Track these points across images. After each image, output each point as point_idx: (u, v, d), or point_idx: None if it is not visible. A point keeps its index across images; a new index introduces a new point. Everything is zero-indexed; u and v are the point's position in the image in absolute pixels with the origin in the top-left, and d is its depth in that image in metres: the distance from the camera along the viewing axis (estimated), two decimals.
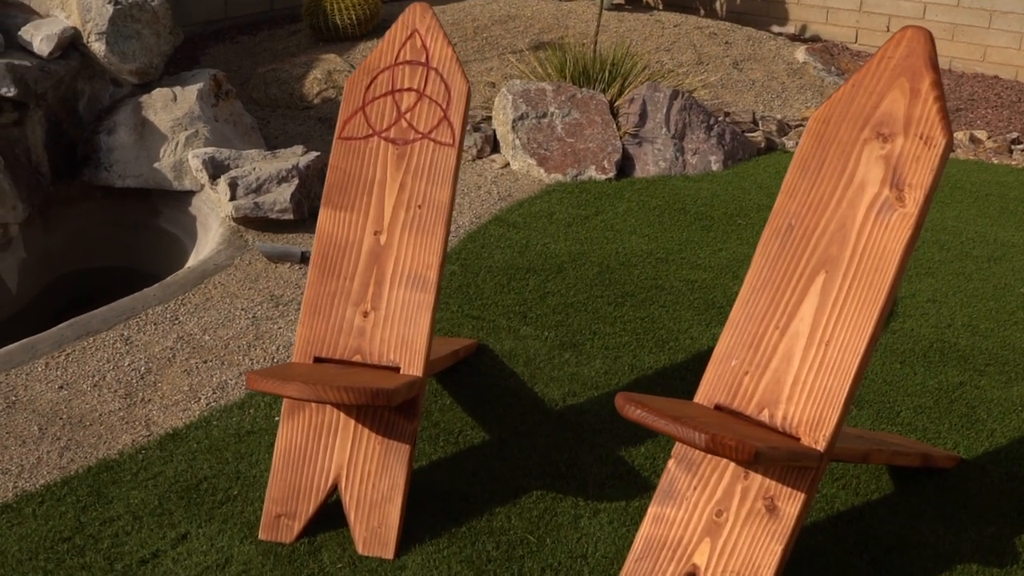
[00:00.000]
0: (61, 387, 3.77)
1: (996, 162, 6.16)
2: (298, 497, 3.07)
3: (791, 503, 2.69)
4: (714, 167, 5.79)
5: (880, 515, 3.19)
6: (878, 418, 3.62)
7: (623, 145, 5.69)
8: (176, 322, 4.17)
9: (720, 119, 6.05)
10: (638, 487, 3.27)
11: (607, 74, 6.04)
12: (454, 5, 7.83)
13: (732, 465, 2.79)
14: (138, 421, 3.59)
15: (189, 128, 5.33)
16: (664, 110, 5.81)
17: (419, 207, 3.16)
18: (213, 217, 5.12)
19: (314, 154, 5.15)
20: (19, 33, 5.25)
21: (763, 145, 6.15)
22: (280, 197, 4.88)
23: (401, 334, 3.10)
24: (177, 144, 5.30)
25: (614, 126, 5.74)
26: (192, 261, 4.99)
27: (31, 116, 5.17)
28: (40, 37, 5.20)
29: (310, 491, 3.07)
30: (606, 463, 3.38)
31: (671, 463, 2.87)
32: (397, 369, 3.09)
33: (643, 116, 5.80)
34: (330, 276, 3.18)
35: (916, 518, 3.18)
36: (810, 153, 2.85)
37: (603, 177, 5.56)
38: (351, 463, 3.06)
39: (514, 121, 5.69)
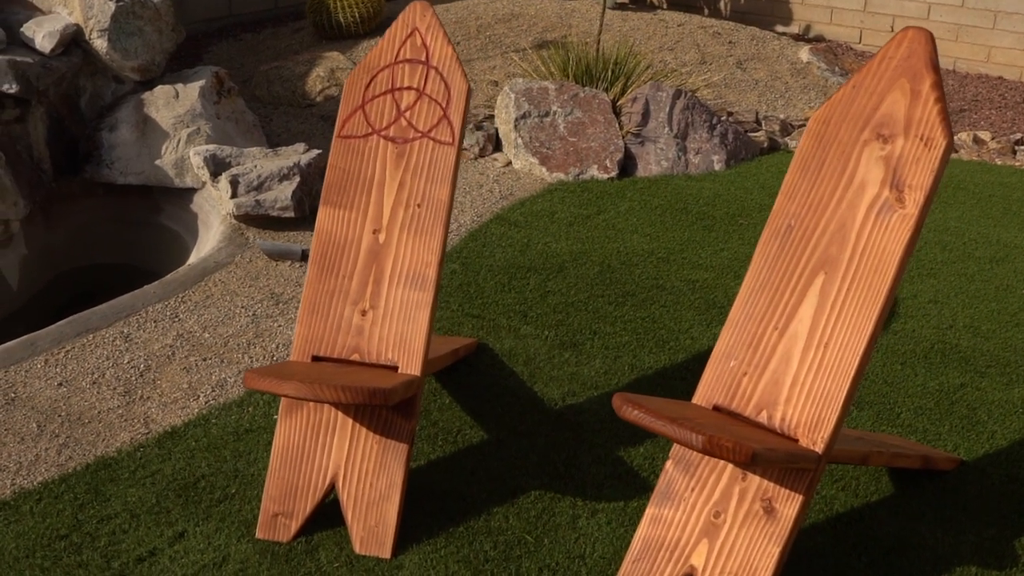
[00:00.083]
0: (60, 384, 3.77)
1: (999, 163, 6.15)
2: (296, 496, 3.06)
3: (789, 505, 2.68)
4: (716, 167, 5.78)
5: (879, 517, 3.18)
6: (878, 419, 3.61)
7: (625, 144, 5.68)
8: (176, 319, 4.17)
9: (723, 119, 6.03)
10: (637, 487, 3.26)
11: (610, 73, 6.03)
12: (458, 3, 7.82)
13: (730, 466, 2.78)
14: (137, 419, 3.59)
15: (191, 125, 5.33)
16: (667, 109, 5.80)
17: (418, 206, 3.15)
18: (214, 215, 5.12)
19: (316, 152, 5.14)
20: (21, 30, 5.24)
21: (766, 145, 6.13)
22: (281, 195, 4.87)
23: (399, 333, 3.10)
24: (179, 141, 5.29)
25: (616, 125, 5.73)
26: (193, 258, 4.99)
27: (33, 113, 5.16)
28: (42, 34, 5.19)
29: (308, 490, 3.06)
30: (605, 463, 3.37)
31: (669, 464, 2.86)
32: (395, 368, 3.09)
33: (646, 115, 5.79)
34: (329, 275, 3.17)
35: (916, 520, 3.17)
36: (810, 154, 2.84)
37: (605, 176, 5.55)
38: (349, 462, 3.06)
39: (516, 120, 5.68)
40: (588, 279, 4.46)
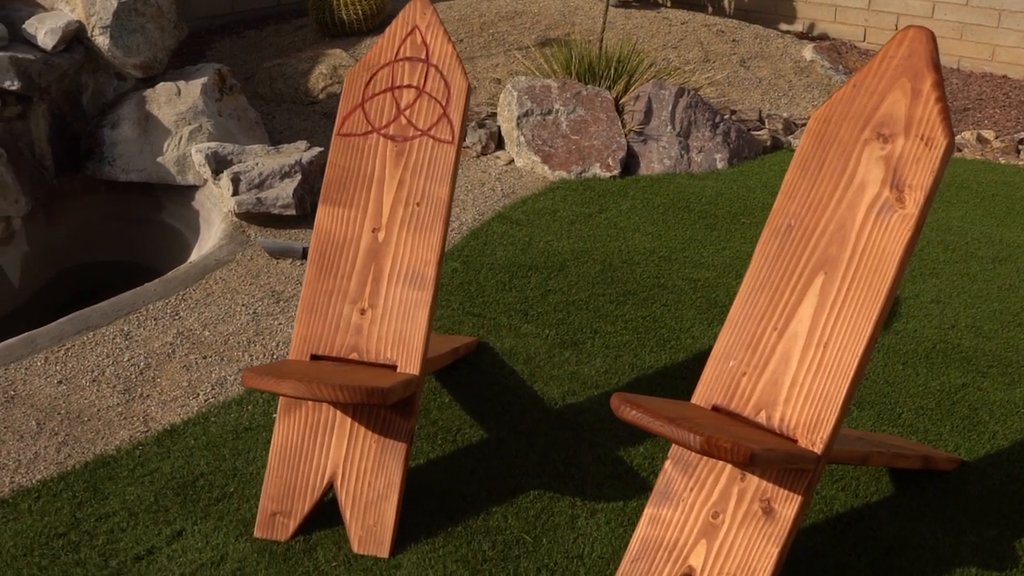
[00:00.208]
0: (60, 382, 3.77)
1: (1003, 162, 6.13)
2: (294, 495, 3.05)
3: (788, 505, 2.67)
4: (719, 165, 5.76)
5: (880, 517, 3.17)
6: (879, 419, 3.60)
7: (628, 143, 5.67)
8: (176, 317, 4.17)
9: (726, 117, 6.02)
10: (636, 487, 3.26)
11: (613, 71, 6.02)
12: (461, 0, 7.81)
13: (729, 467, 2.77)
14: (136, 417, 3.59)
15: (193, 123, 5.32)
16: (669, 108, 5.79)
17: (418, 204, 3.14)
18: (216, 212, 5.12)
19: (317, 149, 5.14)
20: (23, 26, 5.24)
21: (769, 144, 6.12)
22: (283, 192, 4.87)
23: (398, 332, 3.09)
24: (180, 139, 5.29)
25: (619, 123, 5.72)
26: (194, 256, 4.99)
27: (35, 109, 5.16)
28: (44, 30, 5.19)
29: (306, 489, 3.06)
30: (604, 463, 3.36)
31: (668, 464, 2.85)
32: (394, 367, 3.08)
33: (648, 114, 5.78)
34: (328, 273, 3.16)
35: (916, 520, 3.16)
36: (810, 153, 2.83)
37: (607, 175, 5.54)
38: (347, 461, 3.05)
39: (519, 118, 5.67)
40: (589, 278, 4.45)
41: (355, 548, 2.99)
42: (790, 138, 6.27)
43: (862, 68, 2.80)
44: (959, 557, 3.03)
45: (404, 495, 3.09)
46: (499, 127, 5.88)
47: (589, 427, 3.52)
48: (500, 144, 5.85)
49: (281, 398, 3.12)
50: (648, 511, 2.85)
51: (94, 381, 3.77)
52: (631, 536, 2.94)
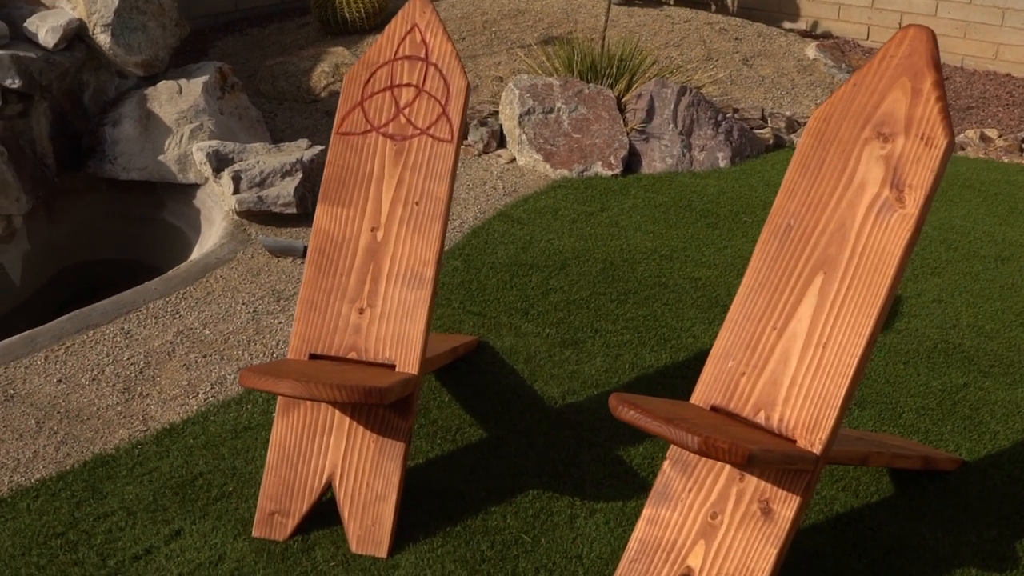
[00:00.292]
0: (60, 381, 3.77)
1: (1006, 161, 6.11)
2: (292, 494, 3.05)
3: (786, 506, 2.66)
4: (721, 164, 5.75)
5: (880, 517, 3.16)
6: (880, 419, 3.59)
7: (630, 141, 5.66)
8: (177, 316, 4.16)
9: (728, 116, 6.01)
10: (635, 487, 3.25)
11: (615, 69, 6.01)
12: None
13: (727, 467, 2.76)
14: (135, 416, 3.58)
15: (194, 121, 5.32)
16: (672, 106, 5.78)
17: (416, 203, 3.14)
18: (217, 210, 5.11)
19: (319, 148, 5.13)
20: (25, 24, 5.24)
21: (771, 142, 6.11)
22: (284, 191, 4.86)
23: (397, 331, 3.08)
24: (182, 137, 5.28)
25: (621, 122, 5.71)
26: (195, 254, 4.98)
27: (36, 107, 5.16)
28: (46, 28, 5.19)
29: (304, 489, 3.05)
30: (604, 462, 3.35)
31: (666, 464, 2.84)
32: (392, 366, 3.07)
33: (650, 112, 5.77)
34: (326, 272, 3.16)
35: (916, 520, 3.15)
36: (810, 152, 2.82)
37: (609, 173, 5.53)
38: (345, 461, 3.05)
39: (521, 116, 5.66)
40: (590, 276, 4.44)
41: (353, 548, 2.99)
42: (793, 137, 6.26)
43: (862, 67, 2.79)
44: (959, 557, 3.02)
45: (402, 495, 3.09)
46: (501, 125, 5.87)
47: (589, 426, 3.52)
48: (502, 142, 5.84)
49: (280, 397, 3.12)
50: (646, 511, 2.84)
51: (94, 380, 3.77)
52: (630, 536, 2.93)
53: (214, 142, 5.08)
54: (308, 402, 3.07)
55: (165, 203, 5.45)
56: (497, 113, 6.04)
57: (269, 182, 4.87)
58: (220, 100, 5.50)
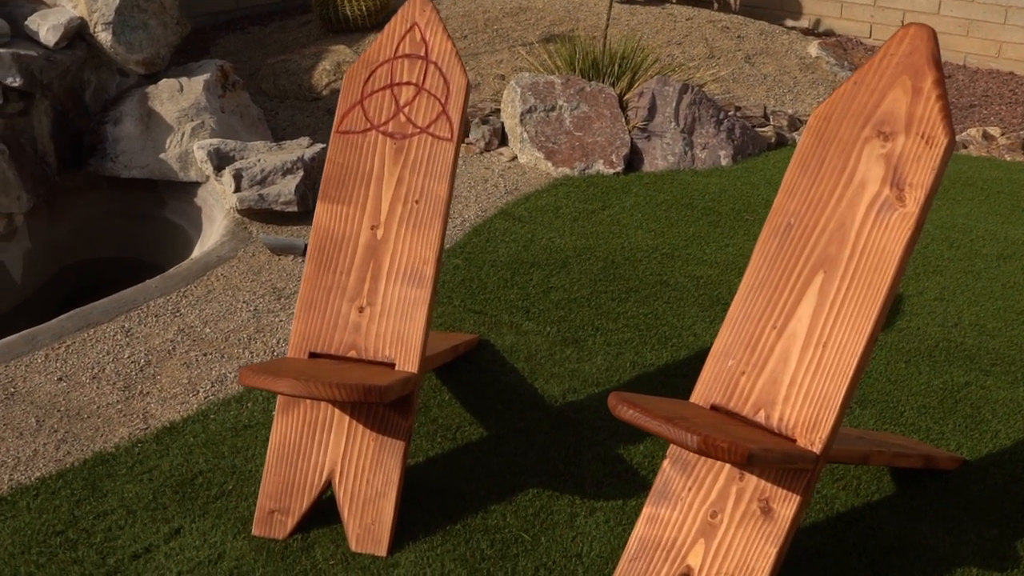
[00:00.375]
0: (60, 379, 3.76)
1: (1009, 159, 6.10)
2: (292, 493, 3.05)
3: (786, 505, 2.65)
4: (723, 162, 5.75)
5: (880, 516, 3.15)
6: (881, 418, 3.59)
7: (632, 139, 5.66)
8: (177, 314, 4.16)
9: (730, 113, 6.00)
10: (636, 486, 3.24)
11: (617, 67, 6.00)
12: None
13: (727, 466, 2.76)
14: (136, 414, 3.58)
15: (195, 119, 5.32)
16: (673, 104, 5.77)
17: (416, 202, 3.13)
18: (218, 208, 5.11)
19: (320, 146, 5.13)
20: (26, 23, 5.24)
21: (773, 140, 6.10)
22: (285, 189, 4.86)
23: (396, 330, 3.08)
24: (183, 135, 5.28)
25: (623, 120, 5.70)
26: (196, 253, 4.98)
27: (37, 106, 5.16)
28: (47, 27, 5.18)
29: (304, 487, 3.05)
30: (604, 461, 3.35)
31: (666, 463, 2.84)
32: (392, 365, 3.07)
33: (652, 110, 5.76)
34: (326, 271, 3.15)
35: (917, 520, 3.14)
36: (810, 151, 2.81)
37: (611, 171, 5.52)
38: (345, 459, 3.04)
39: (522, 114, 5.66)
40: (591, 275, 4.44)
41: (353, 546, 2.99)
42: (795, 135, 6.25)
43: (863, 65, 2.78)
44: (960, 557, 3.01)
45: (402, 493, 3.09)
46: (502, 123, 5.87)
47: (589, 425, 3.51)
48: (503, 140, 5.84)
49: (279, 396, 3.11)
50: (646, 510, 2.84)
51: (94, 378, 3.77)
52: (630, 535, 2.92)
53: (215, 140, 5.08)
54: (308, 400, 3.07)
55: (166, 201, 5.45)
56: (499, 111, 6.03)
57: (270, 180, 4.87)
58: (221, 98, 5.50)
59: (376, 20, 7.22)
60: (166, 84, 5.41)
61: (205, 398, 3.66)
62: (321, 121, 6.09)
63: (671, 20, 7.68)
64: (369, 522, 2.99)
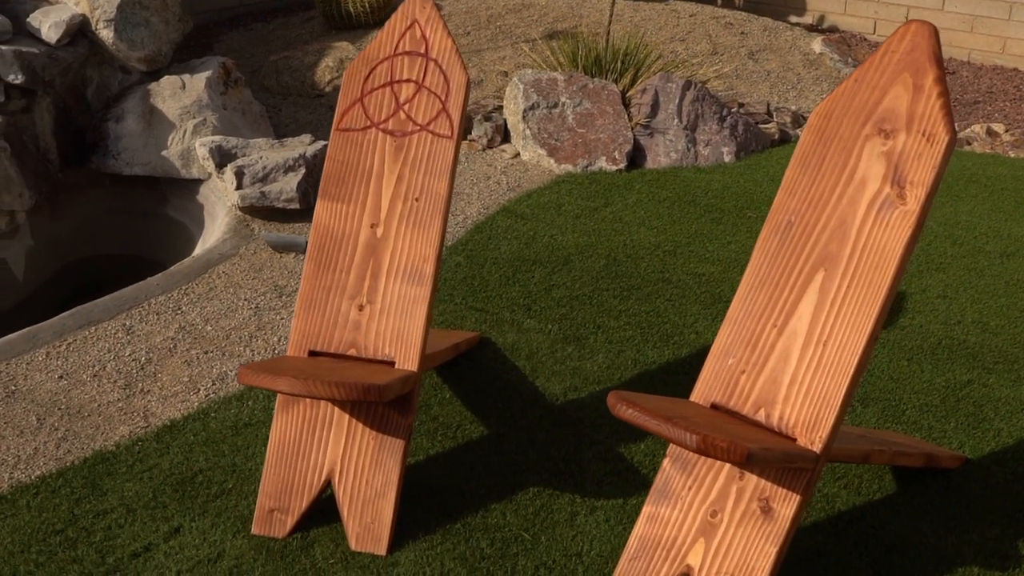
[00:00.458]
0: (61, 377, 3.76)
1: (1013, 156, 6.08)
2: (291, 492, 3.04)
3: (786, 505, 2.65)
4: (726, 159, 5.73)
5: (881, 515, 3.14)
6: (883, 416, 3.58)
7: (634, 136, 5.65)
8: (179, 312, 4.16)
9: (733, 110, 5.99)
10: (636, 485, 3.24)
11: (620, 64, 5.99)
12: None
13: (727, 466, 2.75)
14: (136, 412, 3.58)
15: (197, 116, 5.31)
16: (676, 101, 5.76)
17: (416, 200, 3.12)
18: (220, 206, 5.11)
19: (321, 143, 5.12)
20: (28, 20, 5.23)
21: (777, 137, 6.09)
22: (287, 186, 4.85)
23: (396, 328, 3.07)
24: (185, 132, 5.28)
25: (626, 117, 5.69)
26: (198, 250, 4.98)
27: (39, 103, 5.15)
28: (48, 24, 5.18)
29: (303, 486, 3.04)
30: (605, 460, 3.34)
31: (666, 462, 2.83)
32: (392, 363, 3.06)
33: (655, 107, 5.75)
34: (326, 269, 3.15)
35: (918, 518, 3.13)
36: (811, 149, 2.80)
37: (614, 168, 5.51)
38: (345, 458, 3.04)
39: (525, 111, 5.65)
40: (593, 272, 4.43)
41: (352, 545, 2.98)
42: (798, 131, 6.23)
43: (864, 63, 2.77)
44: (962, 556, 3.00)
45: (402, 492, 3.08)
46: (505, 120, 5.86)
47: (590, 423, 3.50)
48: (506, 137, 5.83)
49: (279, 394, 3.11)
50: (646, 509, 2.83)
51: (95, 376, 3.77)
52: (630, 534, 2.92)
53: (217, 137, 5.07)
54: (308, 399, 3.07)
55: (168, 198, 5.44)
56: (501, 108, 6.02)
57: (272, 177, 4.86)
58: (223, 95, 5.49)
59: (379, 17, 7.21)
60: (168, 81, 5.41)
61: (206, 396, 3.65)
62: (323, 118, 6.08)
63: (674, 16, 7.66)
64: (369, 521, 2.98)
